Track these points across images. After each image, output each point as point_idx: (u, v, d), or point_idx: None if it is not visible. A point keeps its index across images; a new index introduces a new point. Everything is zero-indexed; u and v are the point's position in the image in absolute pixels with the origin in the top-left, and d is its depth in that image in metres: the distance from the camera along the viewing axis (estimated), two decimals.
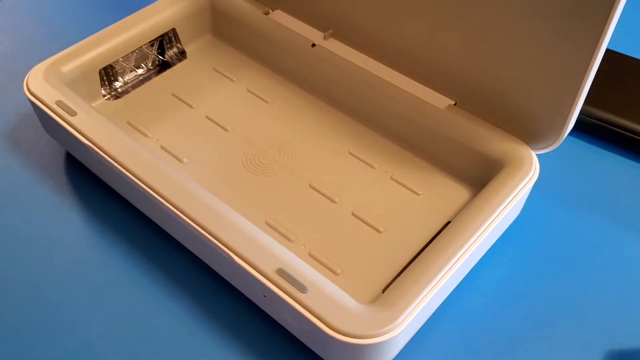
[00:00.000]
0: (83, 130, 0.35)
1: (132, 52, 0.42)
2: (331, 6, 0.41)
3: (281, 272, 0.29)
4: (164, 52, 0.44)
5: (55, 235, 0.37)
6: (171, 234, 0.36)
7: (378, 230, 0.35)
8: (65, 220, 0.38)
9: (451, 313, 0.34)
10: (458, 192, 0.37)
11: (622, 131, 0.41)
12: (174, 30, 0.44)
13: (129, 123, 0.40)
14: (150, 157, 0.34)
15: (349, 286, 0.31)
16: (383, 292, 0.32)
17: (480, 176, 0.36)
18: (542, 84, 0.33)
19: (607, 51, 0.44)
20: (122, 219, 0.38)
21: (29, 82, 0.38)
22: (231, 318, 0.34)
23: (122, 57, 0.42)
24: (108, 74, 0.41)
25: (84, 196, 0.39)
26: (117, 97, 0.42)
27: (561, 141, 0.34)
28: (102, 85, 0.41)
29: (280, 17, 0.44)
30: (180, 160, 0.38)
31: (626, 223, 0.38)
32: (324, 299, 0.29)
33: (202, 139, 0.40)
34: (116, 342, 0.33)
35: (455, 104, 0.38)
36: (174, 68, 0.44)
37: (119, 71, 0.42)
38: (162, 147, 0.39)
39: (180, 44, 0.45)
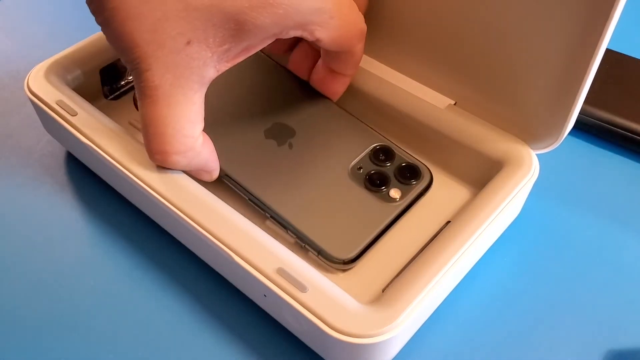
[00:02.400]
0: (84, 130, 0.35)
1: None
2: None
3: (281, 272, 0.29)
4: None
5: (56, 234, 0.37)
6: (172, 233, 0.36)
7: None
8: (65, 220, 0.38)
9: (451, 313, 0.34)
10: (458, 192, 0.37)
11: (622, 131, 0.41)
12: None
13: (130, 123, 0.40)
14: None
15: (348, 286, 0.31)
16: (383, 291, 0.32)
17: (480, 176, 0.36)
18: (542, 84, 0.33)
19: (607, 51, 0.44)
20: (123, 219, 0.38)
21: (29, 82, 0.38)
22: (231, 317, 0.34)
23: None
24: (109, 74, 0.41)
25: (84, 196, 0.39)
26: (118, 96, 0.42)
27: (561, 141, 0.34)
28: (103, 85, 0.41)
29: None
30: None
31: (626, 223, 0.38)
32: (324, 298, 0.29)
33: None
34: (116, 342, 0.33)
35: (455, 104, 0.38)
36: None
37: (120, 71, 0.42)
38: None
39: None
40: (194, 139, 0.31)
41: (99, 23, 0.29)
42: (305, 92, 0.39)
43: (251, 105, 0.38)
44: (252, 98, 0.38)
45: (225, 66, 0.30)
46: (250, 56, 0.30)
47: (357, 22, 0.34)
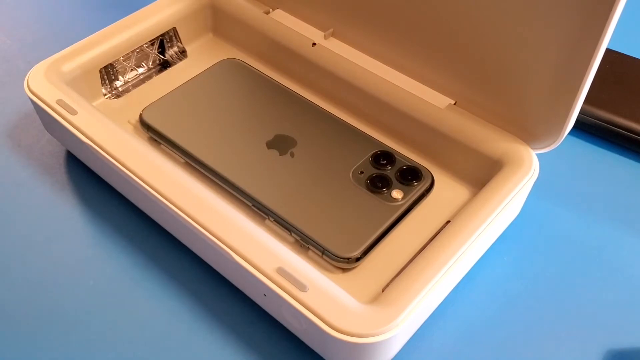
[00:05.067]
0: (83, 129, 0.35)
1: (132, 51, 0.42)
2: (331, 5, 0.41)
3: (281, 271, 0.29)
4: (164, 51, 0.44)
5: (56, 233, 0.37)
6: (172, 232, 0.36)
7: None
8: (66, 219, 0.38)
9: (450, 312, 0.34)
10: (458, 192, 0.37)
11: (622, 131, 0.41)
12: (174, 29, 0.44)
13: (129, 122, 0.40)
14: (150, 155, 0.34)
15: (349, 285, 0.31)
16: (383, 291, 0.32)
17: (480, 176, 0.36)
18: (542, 83, 0.33)
19: (607, 51, 0.44)
20: (123, 218, 0.38)
21: (29, 81, 0.38)
22: (232, 317, 0.34)
23: (122, 56, 0.42)
24: (109, 73, 0.41)
25: (84, 195, 0.39)
26: (117, 96, 0.42)
27: (561, 141, 0.34)
28: (102, 84, 0.41)
29: (280, 16, 0.44)
30: (180, 159, 0.38)
31: (626, 223, 0.38)
32: (324, 297, 0.29)
33: None
34: (116, 341, 0.33)
35: (455, 104, 0.38)
36: (174, 67, 0.44)
37: (120, 70, 0.42)
38: None
39: (181, 43, 0.45)
40: None
41: None
42: (305, 105, 0.40)
43: (252, 119, 0.39)
44: (253, 112, 0.39)
45: None
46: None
47: None
